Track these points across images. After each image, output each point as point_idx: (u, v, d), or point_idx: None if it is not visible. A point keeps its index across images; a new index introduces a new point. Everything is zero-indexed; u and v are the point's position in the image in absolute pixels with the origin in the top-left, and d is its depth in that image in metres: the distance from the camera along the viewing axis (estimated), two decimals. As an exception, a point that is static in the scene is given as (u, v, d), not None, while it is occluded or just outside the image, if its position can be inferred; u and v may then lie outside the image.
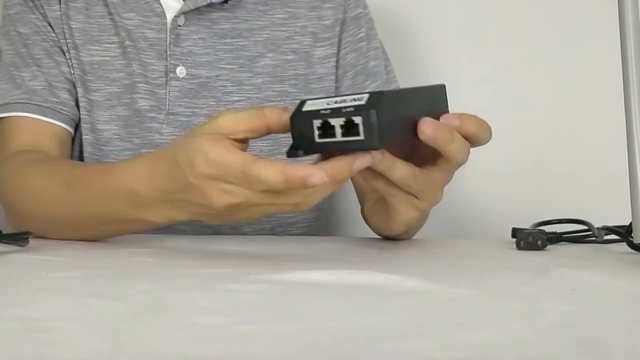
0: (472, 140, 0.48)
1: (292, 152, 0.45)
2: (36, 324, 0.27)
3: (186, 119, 0.79)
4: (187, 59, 0.79)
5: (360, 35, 0.87)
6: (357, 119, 0.42)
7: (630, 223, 0.60)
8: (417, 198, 0.50)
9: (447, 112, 0.50)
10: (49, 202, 0.62)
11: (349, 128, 0.43)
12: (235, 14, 0.81)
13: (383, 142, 0.43)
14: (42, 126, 0.75)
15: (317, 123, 0.43)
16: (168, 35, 0.78)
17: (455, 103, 1.15)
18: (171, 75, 0.78)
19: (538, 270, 0.46)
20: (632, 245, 0.57)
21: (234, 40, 0.81)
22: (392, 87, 0.91)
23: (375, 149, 0.43)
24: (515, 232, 0.65)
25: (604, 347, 0.24)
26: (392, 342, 0.24)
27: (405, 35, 1.13)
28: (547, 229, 0.67)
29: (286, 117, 0.46)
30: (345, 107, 0.42)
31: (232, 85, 0.80)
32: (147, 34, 0.79)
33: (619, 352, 0.23)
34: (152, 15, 0.80)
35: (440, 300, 0.33)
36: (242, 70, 0.80)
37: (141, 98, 0.78)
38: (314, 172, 0.43)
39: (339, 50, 0.85)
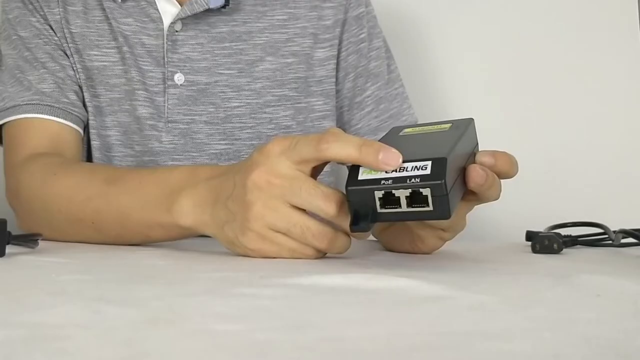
0: (502, 176, 0.48)
1: (358, 227, 0.42)
2: (47, 331, 0.26)
3: (185, 126, 0.77)
4: (185, 66, 0.77)
5: (362, 35, 0.86)
6: (425, 191, 0.40)
7: (650, 227, 0.59)
8: (444, 231, 0.51)
9: (477, 144, 0.50)
10: (84, 193, 0.59)
11: (414, 197, 0.41)
12: (234, 16, 0.79)
13: (453, 210, 0.41)
14: (55, 127, 0.74)
15: (379, 194, 0.42)
16: (165, 42, 0.77)
17: (468, 106, 1.15)
18: (169, 82, 0.77)
19: (558, 275, 0.45)
20: (651, 249, 0.57)
21: (233, 44, 0.79)
22: (394, 86, 0.88)
23: (446, 219, 0.41)
24: (530, 235, 0.64)
25: (643, 358, 0.23)
26: (420, 352, 0.23)
27: (413, 34, 1.12)
28: (562, 232, 0.66)
29: None
30: (409, 177, 0.40)
31: (231, 91, 0.78)
32: (144, 40, 0.77)
33: (659, 364, 0.22)
34: (148, 21, 0.78)
35: (464, 306, 0.32)
36: (241, 75, 0.79)
37: (140, 105, 0.77)
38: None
39: (339, 52, 0.84)
